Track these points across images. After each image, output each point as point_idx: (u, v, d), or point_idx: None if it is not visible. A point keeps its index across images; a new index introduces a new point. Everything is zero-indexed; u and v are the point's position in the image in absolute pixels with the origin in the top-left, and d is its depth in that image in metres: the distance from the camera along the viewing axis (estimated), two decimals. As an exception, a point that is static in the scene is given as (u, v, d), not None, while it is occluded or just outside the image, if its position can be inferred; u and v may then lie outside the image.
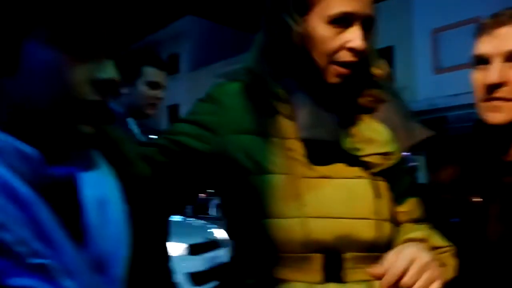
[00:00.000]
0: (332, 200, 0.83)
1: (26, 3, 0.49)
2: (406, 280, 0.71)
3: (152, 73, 1.73)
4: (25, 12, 0.49)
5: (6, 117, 0.51)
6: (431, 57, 12.60)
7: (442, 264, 0.81)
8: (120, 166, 0.67)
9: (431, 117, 10.88)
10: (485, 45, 0.97)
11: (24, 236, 0.46)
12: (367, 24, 0.85)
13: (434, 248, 0.84)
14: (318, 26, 0.83)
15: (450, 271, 0.84)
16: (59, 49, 0.50)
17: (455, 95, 11.13)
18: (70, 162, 0.56)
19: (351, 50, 0.83)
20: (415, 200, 0.94)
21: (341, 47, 0.84)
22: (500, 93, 0.94)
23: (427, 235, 0.85)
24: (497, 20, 0.97)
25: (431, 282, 0.73)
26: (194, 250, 4.11)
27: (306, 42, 0.84)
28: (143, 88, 1.71)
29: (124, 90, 1.66)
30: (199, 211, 16.61)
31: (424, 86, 12.48)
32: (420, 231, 0.86)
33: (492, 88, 0.95)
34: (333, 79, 0.86)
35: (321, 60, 0.85)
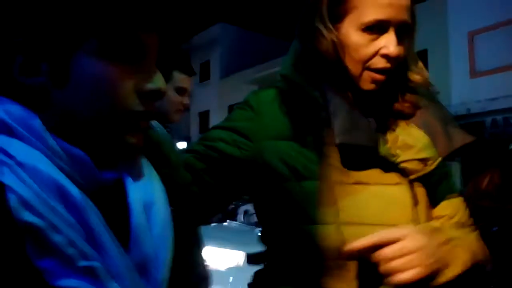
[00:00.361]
0: (368, 207, 0.82)
1: (79, 17, 0.50)
2: (379, 253, 0.70)
3: (181, 79, 1.73)
4: (77, 26, 0.50)
5: (54, 124, 0.52)
6: (467, 60, 12.29)
7: (452, 257, 0.76)
8: (163, 168, 0.68)
9: (467, 122, 10.59)
10: None
11: (74, 238, 0.47)
12: (403, 29, 0.84)
13: (450, 239, 0.78)
14: (352, 33, 0.83)
15: (457, 267, 0.76)
16: (108, 61, 0.51)
17: (492, 99, 10.81)
18: (117, 168, 0.58)
19: (385, 56, 0.82)
20: (457, 203, 0.91)
21: (375, 54, 0.83)
22: None
23: (456, 211, 0.83)
24: None
25: (404, 268, 0.70)
26: (253, 259, 3.85)
27: (339, 49, 0.84)
28: (171, 93, 1.69)
29: None
30: (228, 217, 16.62)
31: (460, 90, 12.17)
32: (450, 207, 0.84)
33: None
34: (368, 86, 0.85)
35: (355, 67, 0.84)
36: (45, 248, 0.45)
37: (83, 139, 0.53)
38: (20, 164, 0.47)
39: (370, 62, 0.83)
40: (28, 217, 0.45)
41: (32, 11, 0.49)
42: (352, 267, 0.79)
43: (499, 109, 10.48)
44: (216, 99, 20.54)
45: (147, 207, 0.57)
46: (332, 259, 0.80)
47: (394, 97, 0.89)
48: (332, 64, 0.85)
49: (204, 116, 21.09)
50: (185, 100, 1.75)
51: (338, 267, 0.80)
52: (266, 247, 0.93)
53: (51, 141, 0.50)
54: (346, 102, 0.85)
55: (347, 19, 0.83)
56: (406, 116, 0.89)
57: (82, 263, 0.46)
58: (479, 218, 0.93)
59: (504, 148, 1.08)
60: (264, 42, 22.71)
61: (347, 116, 0.83)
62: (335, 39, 0.83)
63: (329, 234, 0.80)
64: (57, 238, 0.45)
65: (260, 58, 19.81)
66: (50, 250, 0.45)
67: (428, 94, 0.93)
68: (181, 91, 1.73)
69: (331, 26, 0.84)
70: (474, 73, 12.03)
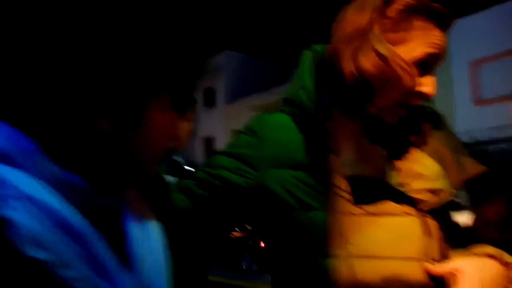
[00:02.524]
0: (378, 239, 0.79)
1: (158, 72, 0.53)
2: None
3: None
4: (154, 81, 0.53)
5: (56, 149, 0.51)
6: (471, 89, 12.33)
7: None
8: (164, 209, 0.69)
9: (472, 150, 10.54)
10: None
11: (86, 272, 0.46)
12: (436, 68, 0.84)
13: (507, 264, 0.77)
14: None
15: None
16: (173, 110, 0.56)
17: (497, 127, 10.79)
18: (116, 195, 0.58)
19: (421, 94, 0.82)
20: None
21: (417, 90, 0.81)
22: None
23: (499, 252, 0.78)
24: None
25: None
26: None
27: (391, 64, 0.80)
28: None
29: None
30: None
31: (464, 118, 12.16)
32: (490, 247, 0.80)
33: None
34: (392, 119, 0.84)
35: (389, 98, 0.81)
36: (56, 284, 0.45)
37: (85, 165, 0.53)
38: (26, 197, 0.46)
39: (407, 96, 0.82)
40: (38, 253, 0.44)
41: (115, 70, 0.50)
42: None
43: (504, 138, 10.44)
44: (221, 124, 20.61)
45: (142, 237, 0.57)
46: None
47: (407, 125, 0.87)
48: (360, 88, 0.81)
49: (209, 141, 21.12)
50: (192, 127, 1.91)
51: None
52: (274, 279, 0.90)
53: (54, 169, 0.49)
54: (355, 130, 0.83)
55: (397, 49, 0.80)
56: (417, 144, 0.87)
57: None
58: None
59: (510, 177, 1.06)
60: (268, 69, 22.92)
61: (356, 146, 0.82)
62: (393, 57, 0.79)
63: (338, 268, 0.77)
64: (69, 274, 0.45)
65: (265, 85, 19.95)
66: (61, 286, 0.45)
67: (437, 120, 0.92)
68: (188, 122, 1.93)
69: (391, 47, 0.80)
70: (478, 101, 12.05)
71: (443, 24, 0.81)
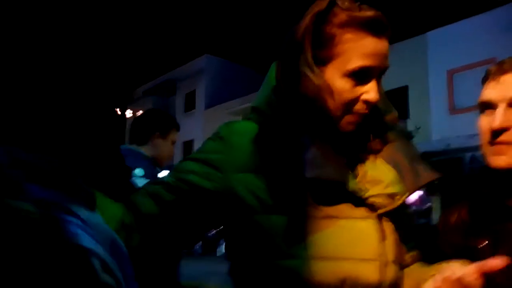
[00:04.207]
0: (336, 241, 0.82)
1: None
2: None
3: (176, 135, 2.26)
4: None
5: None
6: (446, 98, 12.62)
7: None
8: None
9: (446, 157, 10.77)
10: (490, 92, 1.01)
11: None
12: (381, 74, 0.87)
13: None
14: (336, 78, 0.84)
15: None
16: None
17: (471, 135, 11.06)
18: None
19: (366, 102, 0.85)
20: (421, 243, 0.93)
21: (357, 98, 0.85)
22: (504, 137, 0.97)
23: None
24: (501, 68, 1.00)
25: None
26: None
27: (321, 92, 0.85)
28: (169, 145, 2.23)
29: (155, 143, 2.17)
30: (208, 249, 16.41)
31: (439, 126, 12.45)
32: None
33: (496, 133, 0.97)
34: (347, 127, 0.87)
35: (336, 110, 0.85)
36: None
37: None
38: (85, 223, 0.44)
39: (351, 105, 0.85)
40: (107, 279, 0.43)
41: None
42: None
43: (478, 145, 10.70)
44: (200, 128, 20.58)
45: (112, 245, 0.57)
46: None
47: (365, 133, 0.91)
48: (311, 105, 0.86)
49: (188, 145, 21.05)
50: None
51: None
52: (234, 282, 0.91)
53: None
54: (317, 137, 0.86)
55: (331, 64, 0.84)
56: (375, 152, 0.91)
57: None
58: (449, 253, 0.94)
59: (475, 183, 1.10)
60: (248, 74, 23.01)
61: (318, 151, 0.84)
62: (322, 83, 0.84)
63: (297, 269, 0.80)
64: None
65: (245, 89, 20.02)
66: None
67: (396, 130, 0.95)
68: (173, 143, 2.27)
69: (318, 71, 0.85)
70: (454, 110, 12.35)
71: (377, 30, 0.84)
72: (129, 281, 0.48)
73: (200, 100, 21.89)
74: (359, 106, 0.85)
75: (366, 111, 0.86)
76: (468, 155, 11.57)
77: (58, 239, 0.42)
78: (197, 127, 20.79)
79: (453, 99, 12.40)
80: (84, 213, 0.46)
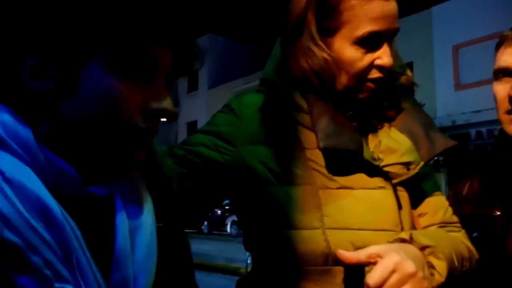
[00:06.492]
0: (352, 211, 0.81)
1: (92, 27, 0.50)
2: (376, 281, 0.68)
3: None
4: (89, 36, 0.50)
5: (49, 133, 0.52)
6: (452, 73, 12.49)
7: (431, 267, 0.76)
8: (159, 185, 0.68)
9: (452, 133, 10.71)
10: (508, 58, 0.97)
11: (51, 259, 0.47)
12: (392, 36, 0.85)
13: (423, 247, 0.78)
14: (346, 48, 0.82)
15: (436, 276, 0.76)
16: (117, 75, 0.51)
17: (476, 111, 10.98)
18: (110, 184, 0.57)
19: (380, 67, 0.83)
20: (440, 201, 0.92)
21: (370, 65, 0.83)
22: None
23: (411, 235, 0.79)
24: None
25: None
26: None
27: (331, 65, 0.83)
28: None
29: None
30: (215, 228, 16.54)
31: (445, 102, 12.35)
32: (405, 232, 0.81)
33: None
34: (363, 95, 0.86)
35: (349, 80, 0.84)
36: (23, 266, 0.46)
37: (78, 151, 0.53)
38: (7, 180, 0.47)
39: (365, 74, 0.83)
40: (8, 235, 0.45)
41: (47, 16, 0.50)
42: (338, 273, 0.79)
43: (483, 121, 10.64)
44: (204, 109, 20.52)
45: (134, 230, 0.57)
46: (318, 265, 0.80)
47: (379, 101, 0.89)
48: (319, 79, 0.85)
49: (192, 126, 21.02)
50: None
51: (324, 273, 0.80)
52: (250, 253, 0.92)
53: (41, 156, 0.50)
54: (330, 106, 0.85)
55: (339, 34, 0.82)
56: (389, 119, 0.90)
57: (57, 285, 0.47)
58: (462, 224, 0.94)
59: (485, 157, 1.09)
60: (251, 53, 22.81)
61: (331, 121, 0.84)
62: (327, 57, 0.83)
63: (314, 239, 0.80)
64: (34, 259, 0.46)
65: (248, 68, 19.88)
66: (27, 269, 0.46)
67: (410, 99, 0.94)
68: None
69: (322, 44, 0.83)
70: (459, 85, 12.22)
71: None
72: (67, 250, 0.48)
73: (203, 80, 21.76)
74: (373, 73, 0.83)
75: (382, 75, 0.83)
76: (473, 131, 11.51)
77: None
78: (200, 108, 20.72)
79: (459, 75, 12.27)
80: (13, 172, 0.47)
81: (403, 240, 0.78)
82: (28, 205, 0.47)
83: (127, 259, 0.54)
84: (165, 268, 0.61)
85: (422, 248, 0.77)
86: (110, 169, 0.56)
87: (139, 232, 0.57)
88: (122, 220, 0.56)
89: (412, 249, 0.76)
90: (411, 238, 0.77)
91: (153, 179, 0.65)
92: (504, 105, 0.97)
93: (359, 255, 0.71)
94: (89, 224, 0.53)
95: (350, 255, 0.71)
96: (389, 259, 0.70)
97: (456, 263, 0.80)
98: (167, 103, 0.55)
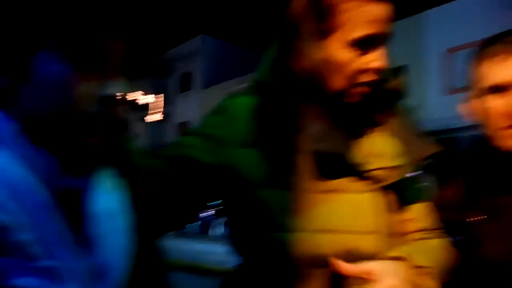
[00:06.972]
0: (338, 215, 0.82)
1: (41, 19, 0.51)
2: None
3: None
4: (39, 27, 0.52)
5: (18, 124, 0.54)
6: (444, 77, 12.58)
7: None
8: (130, 176, 0.69)
9: (443, 137, 10.79)
10: (503, 74, 0.96)
11: (34, 238, 0.48)
12: (386, 39, 0.85)
13: (417, 267, 0.79)
14: (340, 49, 0.83)
15: None
16: (69, 64, 0.53)
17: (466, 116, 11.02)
18: (82, 175, 0.59)
19: (374, 70, 0.83)
20: (423, 208, 0.93)
21: (364, 69, 0.83)
22: None
23: (409, 253, 0.81)
24: (509, 48, 0.97)
25: None
26: None
27: (323, 67, 0.84)
28: None
29: None
30: (203, 230, 16.46)
31: (437, 106, 12.42)
32: (402, 249, 0.83)
33: None
34: (354, 99, 0.86)
35: (341, 82, 0.84)
36: (4, 246, 0.46)
37: (45, 140, 0.55)
38: None
39: (358, 76, 0.84)
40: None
41: None
42: (322, 275, 0.79)
43: (475, 125, 10.72)
44: (197, 109, 20.49)
45: (108, 216, 0.59)
46: (303, 267, 0.80)
47: (369, 105, 0.90)
48: (312, 81, 0.85)
49: (184, 126, 20.99)
50: None
51: (309, 276, 0.80)
52: (236, 255, 0.92)
53: (21, 142, 0.52)
54: (319, 110, 0.86)
55: (334, 36, 0.83)
56: (378, 124, 0.91)
57: (39, 263, 0.47)
58: (444, 228, 0.95)
59: (470, 161, 1.10)
60: (244, 55, 22.82)
61: (320, 124, 0.84)
62: (321, 58, 0.83)
63: (301, 242, 0.80)
64: (23, 236, 0.47)
65: (241, 70, 19.89)
66: (10, 248, 0.46)
67: (399, 103, 0.95)
68: None
69: (317, 46, 0.84)
70: (451, 90, 12.30)
71: None
72: (44, 230, 0.50)
73: (195, 81, 21.73)
74: (367, 76, 0.84)
75: (375, 78, 0.84)
76: (462, 135, 11.60)
77: None
78: (193, 108, 20.69)
79: (451, 79, 12.35)
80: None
81: (397, 258, 0.78)
82: (12, 187, 0.48)
83: (102, 243, 0.56)
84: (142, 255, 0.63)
85: (417, 267, 0.78)
86: (76, 158, 0.58)
87: (113, 219, 0.59)
88: (94, 207, 0.58)
89: (406, 270, 0.77)
90: (407, 256, 0.79)
91: (120, 167, 0.66)
92: (502, 121, 0.97)
93: (357, 270, 0.73)
94: (65, 210, 0.54)
95: (349, 268, 0.73)
96: (387, 284, 0.72)
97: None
98: (115, 90, 0.57)
